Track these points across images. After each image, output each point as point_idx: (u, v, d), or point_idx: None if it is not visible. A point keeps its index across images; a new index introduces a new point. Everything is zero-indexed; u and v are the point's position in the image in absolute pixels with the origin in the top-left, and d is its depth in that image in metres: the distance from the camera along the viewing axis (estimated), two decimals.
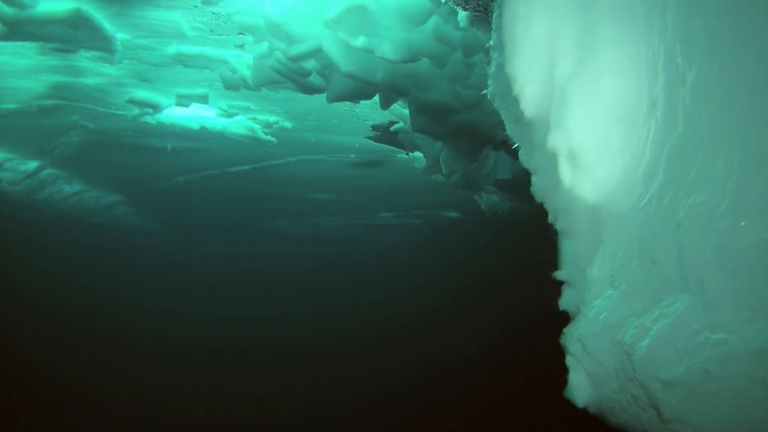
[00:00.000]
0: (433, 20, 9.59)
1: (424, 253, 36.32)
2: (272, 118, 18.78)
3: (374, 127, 18.55)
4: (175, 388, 25.98)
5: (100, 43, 12.02)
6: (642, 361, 2.99)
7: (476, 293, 33.13)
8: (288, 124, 19.19)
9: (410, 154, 20.38)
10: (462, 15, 6.95)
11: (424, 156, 17.13)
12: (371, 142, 20.12)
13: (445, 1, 6.60)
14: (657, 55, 3.29)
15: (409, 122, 13.65)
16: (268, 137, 20.01)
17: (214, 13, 11.11)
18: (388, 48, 9.68)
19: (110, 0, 10.65)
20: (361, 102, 14.81)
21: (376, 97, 12.50)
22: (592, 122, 3.76)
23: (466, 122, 11.71)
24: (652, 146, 3.34)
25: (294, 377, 28.36)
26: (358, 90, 11.55)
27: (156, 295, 35.73)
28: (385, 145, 20.22)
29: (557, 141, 3.98)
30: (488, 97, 5.38)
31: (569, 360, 3.75)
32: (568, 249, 4.33)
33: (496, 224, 23.38)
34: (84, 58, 13.77)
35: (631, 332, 3.13)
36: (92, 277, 35.69)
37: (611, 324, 3.33)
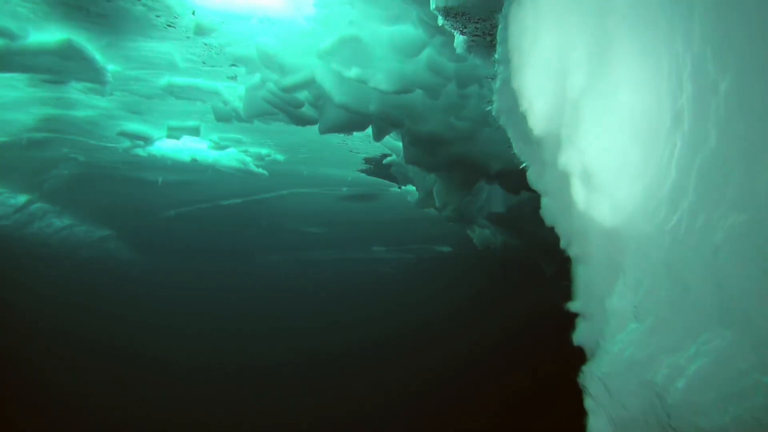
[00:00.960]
0: (427, 51, 9.53)
1: (415, 290, 36.09)
2: (264, 151, 18.68)
3: (367, 160, 18.49)
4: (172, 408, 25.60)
5: (91, 74, 11.92)
6: (678, 406, 2.63)
7: (460, 324, 32.93)
8: (280, 157, 19.09)
9: (403, 187, 20.29)
10: (459, 40, 6.79)
11: (416, 189, 17.03)
12: (364, 175, 20.05)
13: (442, 24, 6.46)
14: (682, 63, 3.02)
15: (402, 154, 13.56)
16: (260, 170, 19.90)
17: (206, 45, 11.04)
18: (381, 79, 9.60)
19: (102, 31, 10.56)
20: (354, 134, 14.76)
21: (369, 129, 12.41)
22: (608, 139, 3.46)
23: (460, 154, 11.62)
24: (678, 163, 3.05)
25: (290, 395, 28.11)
26: (351, 121, 11.46)
27: (147, 334, 35.33)
28: (378, 179, 20.15)
29: (570, 160, 3.70)
30: (493, 113, 5.07)
31: (588, 402, 3.35)
32: (582, 277, 3.96)
33: (489, 259, 23.25)
34: (75, 90, 13.67)
35: (662, 372, 2.77)
36: (82, 313, 35.27)
37: (638, 362, 2.97)
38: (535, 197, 13.28)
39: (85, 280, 35.31)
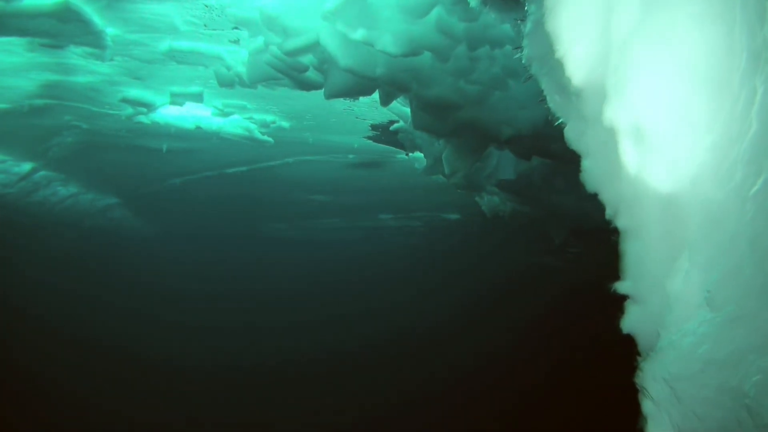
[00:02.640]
0: (436, 11, 9.17)
1: (423, 256, 35.98)
2: (269, 118, 18.38)
3: (373, 127, 18.22)
4: (173, 400, 25.62)
5: (90, 38, 11.61)
6: None
7: (479, 299, 32.83)
8: (285, 124, 18.79)
9: (410, 154, 20.00)
10: None
11: (424, 156, 16.74)
12: (370, 142, 19.79)
13: None
14: None
15: (409, 120, 13.24)
16: (265, 137, 19.62)
17: (207, 6, 10.72)
18: (388, 41, 9.26)
19: None
20: (360, 100, 14.42)
21: (376, 94, 12.08)
22: (665, 87, 2.94)
23: (470, 119, 11.29)
24: (761, 112, 2.56)
25: (304, 390, 28.07)
26: (357, 85, 11.13)
27: (153, 303, 35.45)
28: (385, 146, 19.88)
29: (617, 115, 3.19)
30: (523, 61, 4.43)
31: (648, 407, 2.87)
32: (634, 253, 3.39)
33: (497, 226, 23.04)
34: (74, 55, 13.35)
35: (753, 377, 2.26)
36: (88, 283, 35.39)
37: (717, 362, 2.44)
38: (546, 164, 13.00)
39: (90, 248, 35.33)
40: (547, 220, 18.90)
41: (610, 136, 3.34)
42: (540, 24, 3.72)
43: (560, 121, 4.11)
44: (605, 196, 3.66)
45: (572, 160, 11.71)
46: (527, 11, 4.22)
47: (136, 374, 27.79)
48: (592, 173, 3.75)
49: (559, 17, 3.49)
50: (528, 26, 4.23)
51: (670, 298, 2.94)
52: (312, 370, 30.77)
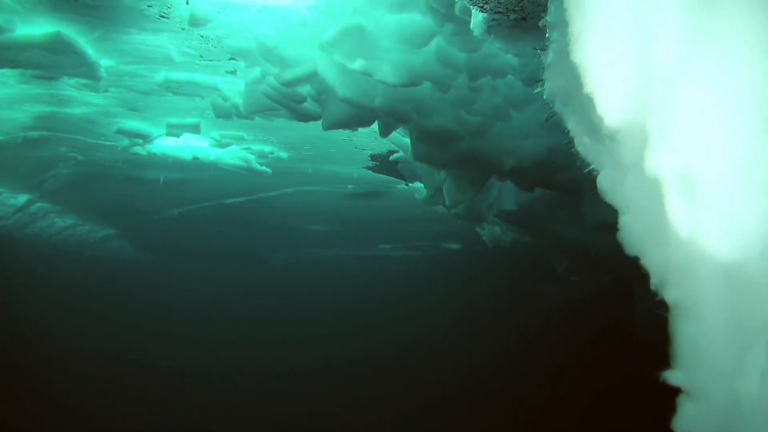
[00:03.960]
0: (436, 41, 8.96)
1: (423, 286, 35.70)
2: (267, 148, 18.22)
3: (373, 157, 18.06)
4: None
5: (84, 69, 11.40)
6: None
7: (478, 324, 32.57)
8: (283, 154, 18.64)
9: (410, 184, 19.81)
10: (477, 20, 5.96)
11: (424, 186, 16.53)
12: (370, 172, 19.63)
13: (461, 1, 5.64)
14: None
15: (409, 151, 13.02)
16: (263, 168, 19.45)
17: (202, 37, 10.51)
18: (387, 71, 9.04)
19: (92, 23, 10.04)
20: (360, 130, 14.20)
21: (375, 125, 11.85)
22: (722, 129, 2.47)
23: (471, 150, 11.04)
24: None
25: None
26: (356, 116, 10.90)
27: (154, 334, 35.04)
28: (385, 176, 19.72)
29: (662, 162, 2.69)
30: (545, 97, 3.75)
31: None
32: (689, 336, 2.79)
33: (498, 256, 22.84)
34: (68, 86, 13.18)
35: None
36: (87, 315, 35.00)
37: None
38: (548, 195, 12.73)
39: (89, 280, 35.07)
40: (549, 250, 18.66)
41: (653, 188, 2.84)
42: (564, 54, 3.19)
43: (591, 167, 3.52)
44: (649, 262, 3.07)
45: (574, 191, 11.40)
46: (548, 39, 3.60)
47: (135, 400, 27.39)
48: (632, 233, 3.14)
49: (588, 45, 2.99)
50: (550, 56, 3.63)
51: (741, 402, 2.43)
52: (309, 390, 30.53)
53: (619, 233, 3.16)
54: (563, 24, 3.09)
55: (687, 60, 2.63)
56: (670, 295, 2.85)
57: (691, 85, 2.61)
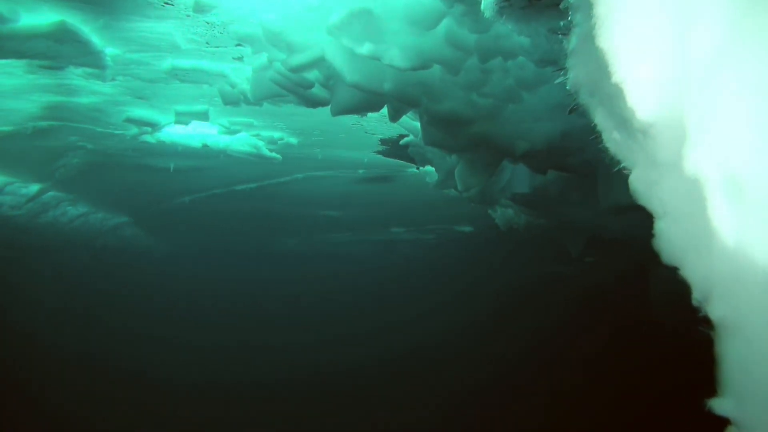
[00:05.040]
0: (446, 23, 8.78)
1: (436, 270, 35.65)
2: (276, 134, 18.10)
3: (383, 141, 17.92)
4: (187, 421, 25.35)
5: (89, 58, 11.29)
6: None
7: (494, 309, 32.50)
8: (293, 140, 18.50)
9: (421, 168, 19.64)
10: (488, 2, 5.72)
11: (435, 170, 16.36)
12: (380, 156, 19.48)
13: None
14: None
15: (420, 135, 12.86)
16: (273, 154, 19.33)
17: (208, 23, 10.38)
18: (396, 54, 8.88)
19: (96, 11, 9.92)
20: (369, 115, 14.05)
21: (385, 109, 11.69)
22: None
23: (483, 133, 10.88)
24: None
25: (322, 406, 27.81)
26: (365, 101, 10.75)
27: (166, 323, 35.26)
28: (395, 160, 19.57)
29: (703, 160, 2.35)
30: (568, 87, 3.31)
31: None
32: (737, 359, 2.43)
33: (512, 238, 22.70)
34: (75, 76, 13.07)
35: None
36: (101, 302, 35.23)
37: None
38: (562, 177, 12.56)
39: (103, 267, 35.24)
40: (563, 232, 18.49)
41: (694, 190, 2.49)
42: (589, 38, 2.81)
43: (622, 165, 3.09)
44: (691, 273, 2.68)
45: (588, 173, 11.21)
46: (571, 21, 3.17)
47: (150, 396, 27.49)
48: (670, 240, 2.74)
49: (616, 29, 2.61)
50: (573, 41, 3.19)
51: None
52: (330, 385, 30.45)
53: (654, 240, 2.83)
54: (587, 5, 2.75)
55: (731, 45, 2.31)
56: (715, 312, 2.51)
57: (735, 73, 2.29)
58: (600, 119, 3.10)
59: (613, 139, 3.06)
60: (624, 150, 3.00)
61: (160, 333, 34.04)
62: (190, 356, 32.59)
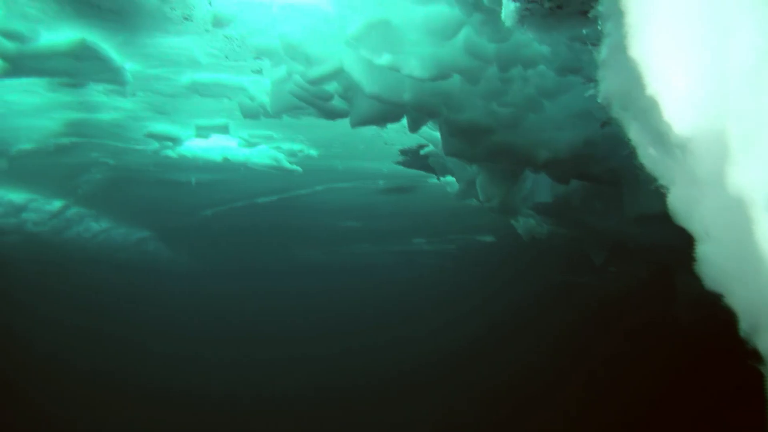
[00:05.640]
0: (464, 32, 8.71)
1: (459, 280, 35.46)
2: (296, 146, 18.11)
3: (403, 152, 17.84)
4: None
5: (110, 74, 11.36)
6: None
7: (516, 317, 32.27)
8: (313, 152, 18.49)
9: (441, 178, 19.54)
10: (509, 10, 5.59)
11: (456, 180, 16.26)
12: (400, 167, 19.41)
13: None
14: None
15: (440, 145, 12.77)
16: (294, 166, 19.32)
17: (227, 37, 10.39)
18: (415, 65, 8.82)
19: (116, 28, 9.97)
20: (388, 125, 14.00)
21: (404, 120, 11.62)
22: None
23: (504, 143, 10.77)
24: None
25: (348, 418, 27.74)
26: (384, 112, 10.69)
27: (189, 337, 35.34)
28: (415, 170, 19.48)
29: (748, 178, 2.18)
30: (599, 100, 3.09)
31: None
32: None
33: (534, 248, 22.52)
34: (96, 92, 13.15)
35: None
36: (124, 320, 35.39)
37: None
38: (585, 186, 12.43)
39: (125, 282, 35.41)
40: (586, 242, 18.29)
41: (738, 210, 2.30)
42: (621, 49, 2.61)
43: (658, 182, 2.82)
44: (736, 301, 2.47)
45: (613, 182, 11.05)
46: (601, 31, 2.96)
47: (174, 412, 27.53)
48: (714, 264, 2.51)
49: (649, 38, 2.41)
50: (603, 52, 2.97)
51: None
52: (353, 396, 30.36)
53: (696, 264, 2.59)
54: (618, 14, 2.54)
55: None
56: (764, 344, 2.35)
57: None
58: (634, 134, 2.87)
59: (648, 155, 2.83)
60: (661, 167, 2.77)
61: (182, 347, 34.15)
62: (212, 370, 32.64)
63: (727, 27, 2.23)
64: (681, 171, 2.57)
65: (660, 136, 2.58)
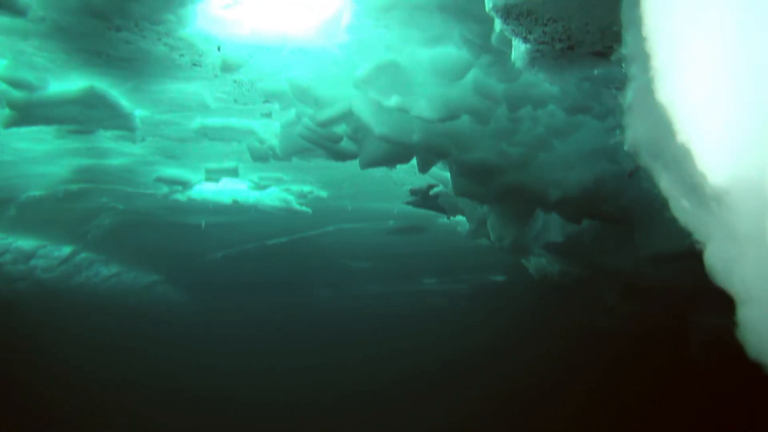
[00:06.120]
0: (473, 73, 8.67)
1: (470, 321, 35.17)
2: (306, 188, 18.12)
3: (412, 192, 17.80)
4: None
5: (119, 121, 11.37)
6: None
7: (526, 359, 31.88)
8: (323, 193, 18.51)
9: (452, 217, 19.47)
10: (519, 51, 5.50)
11: (467, 220, 16.16)
12: (410, 207, 19.37)
13: (500, 31, 5.15)
14: None
15: (450, 185, 12.70)
16: (303, 207, 19.34)
17: (236, 82, 10.41)
18: (424, 106, 8.78)
19: (125, 75, 9.99)
20: (398, 166, 13.98)
21: (413, 161, 11.57)
22: None
23: (514, 183, 10.67)
24: None
25: None
26: (394, 153, 10.64)
27: (200, 381, 35.01)
28: (425, 209, 19.44)
29: None
30: (626, 147, 2.85)
31: None
32: None
33: (545, 287, 22.32)
34: (105, 138, 13.19)
35: None
36: (135, 364, 35.12)
37: None
38: (597, 225, 12.29)
39: (136, 326, 35.23)
40: (598, 281, 18.09)
41: None
42: (648, 92, 2.37)
43: (693, 236, 2.51)
44: None
45: (625, 221, 10.89)
46: (627, 73, 2.70)
47: None
48: (756, 330, 2.27)
49: (679, 81, 2.18)
50: (629, 96, 2.69)
51: None
52: None
53: (737, 329, 2.35)
54: (643, 56, 2.35)
55: None
56: None
57: None
58: (665, 185, 2.60)
59: (681, 208, 2.54)
60: (696, 221, 2.50)
61: (193, 391, 33.80)
62: (223, 415, 32.28)
63: (765, 67, 2.05)
64: (718, 226, 2.34)
65: (694, 187, 2.35)
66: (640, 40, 2.28)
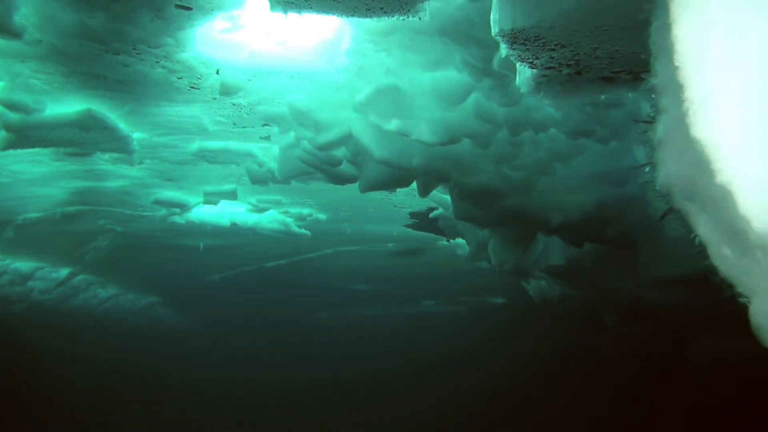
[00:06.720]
0: (474, 97, 8.61)
1: (469, 344, 35.00)
2: (305, 211, 18.05)
3: (412, 215, 17.75)
4: None
5: (116, 144, 11.28)
6: None
7: (525, 381, 31.70)
8: (322, 216, 18.43)
9: (451, 240, 19.40)
10: (525, 77, 5.36)
11: (467, 243, 16.07)
12: (410, 230, 19.29)
13: (506, 56, 4.97)
14: None
15: (450, 208, 12.61)
16: (302, 230, 19.25)
17: (234, 105, 10.34)
18: (424, 130, 8.71)
19: (122, 98, 9.92)
20: (398, 189, 13.91)
21: (414, 184, 11.48)
22: None
23: (515, 206, 10.59)
24: None
25: None
26: (394, 177, 10.56)
27: (199, 403, 34.78)
28: (425, 233, 19.36)
29: None
30: (657, 187, 2.46)
31: None
32: None
33: (545, 310, 22.20)
34: (102, 161, 13.10)
35: None
36: (133, 386, 34.89)
37: None
38: (598, 248, 12.17)
39: (133, 348, 35.03)
40: (599, 304, 17.98)
41: None
42: (682, 127, 2.10)
43: (738, 289, 2.15)
44: None
45: (627, 244, 10.81)
46: (655, 107, 2.42)
47: None
48: None
49: (717, 115, 1.93)
50: (660, 130, 2.38)
51: None
52: None
53: None
54: (677, 86, 2.12)
55: None
56: None
57: None
58: (703, 230, 2.29)
59: (722, 257, 2.21)
60: (738, 271, 2.16)
61: (192, 414, 33.57)
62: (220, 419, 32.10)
63: None
64: (764, 277, 2.00)
65: (736, 233, 2.01)
66: (673, 69, 2.08)
